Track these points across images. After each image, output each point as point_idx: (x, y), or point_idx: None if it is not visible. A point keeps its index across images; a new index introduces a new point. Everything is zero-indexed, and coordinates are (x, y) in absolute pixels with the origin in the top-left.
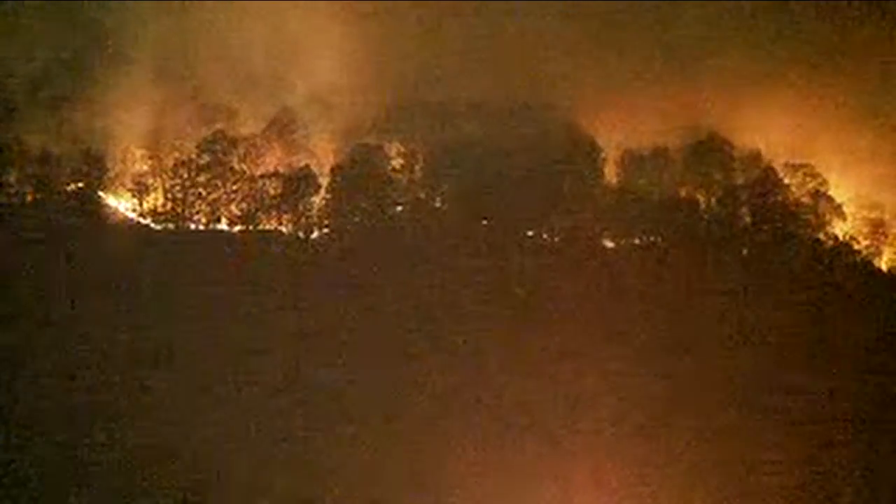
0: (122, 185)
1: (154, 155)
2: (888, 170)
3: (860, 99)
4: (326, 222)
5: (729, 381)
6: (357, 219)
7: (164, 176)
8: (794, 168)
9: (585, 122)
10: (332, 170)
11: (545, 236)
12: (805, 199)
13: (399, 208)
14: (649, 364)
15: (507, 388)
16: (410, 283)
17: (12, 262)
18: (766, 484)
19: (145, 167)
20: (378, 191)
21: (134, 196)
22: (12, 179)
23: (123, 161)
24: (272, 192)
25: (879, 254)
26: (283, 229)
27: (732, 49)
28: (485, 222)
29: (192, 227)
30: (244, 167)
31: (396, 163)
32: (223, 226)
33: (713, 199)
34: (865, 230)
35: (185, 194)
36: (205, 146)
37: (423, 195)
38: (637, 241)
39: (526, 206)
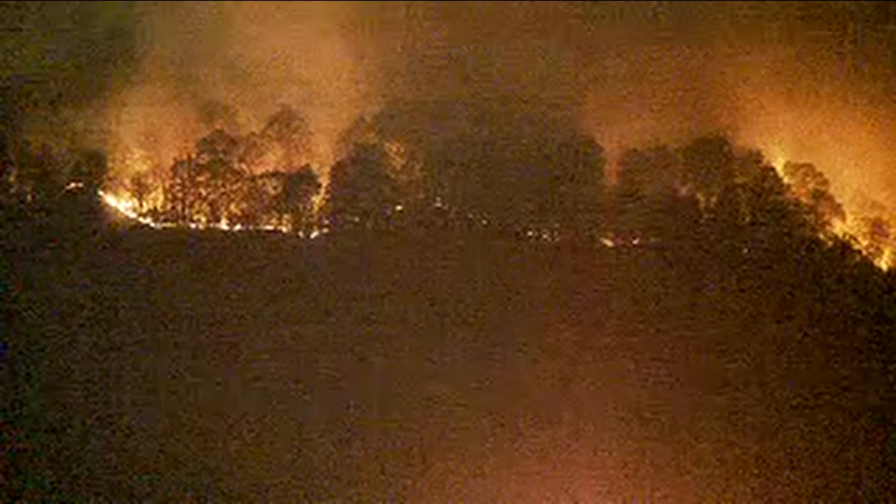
0: (122, 185)
1: (154, 155)
2: (888, 170)
3: (860, 99)
4: (326, 222)
5: (728, 379)
6: (357, 219)
7: (164, 176)
8: (794, 168)
9: (585, 122)
10: (332, 170)
11: (545, 236)
12: (805, 199)
13: (399, 208)
14: (649, 363)
15: (506, 387)
16: (410, 283)
17: (12, 261)
18: (768, 481)
19: (145, 167)
20: (378, 191)
21: (134, 196)
22: (12, 179)
23: (123, 161)
24: (272, 192)
25: (879, 254)
26: (283, 229)
27: (733, 49)
28: (485, 222)
29: (192, 226)
30: (244, 167)
31: (396, 163)
32: (223, 225)
33: (713, 199)
34: (865, 230)
35: (185, 194)
36: (205, 146)
37: (423, 195)
38: (637, 241)
39: (526, 206)
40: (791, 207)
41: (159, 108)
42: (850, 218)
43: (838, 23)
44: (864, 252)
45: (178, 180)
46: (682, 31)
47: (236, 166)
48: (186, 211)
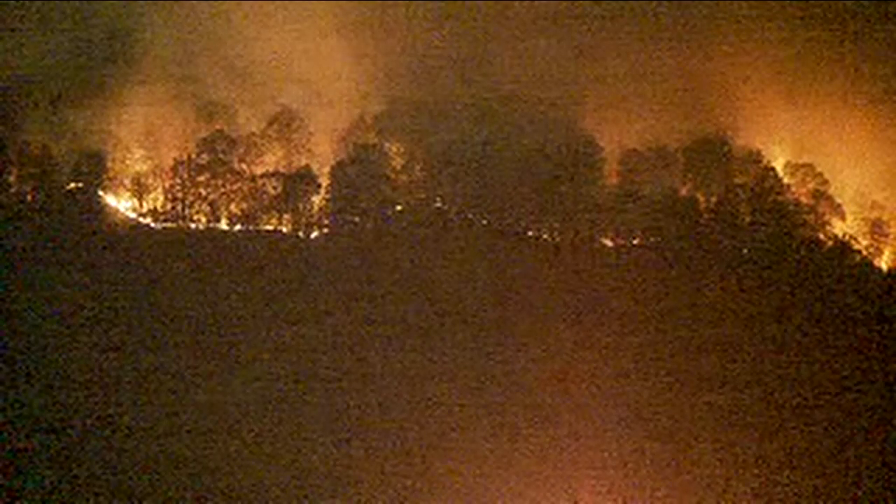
0: (122, 185)
1: (154, 155)
2: (888, 170)
3: (860, 99)
4: (326, 222)
5: (728, 379)
6: (357, 219)
7: (164, 176)
8: (794, 168)
9: (585, 122)
10: (332, 170)
11: (545, 236)
12: (805, 199)
13: (399, 208)
14: (649, 363)
15: (506, 387)
16: (410, 283)
17: (12, 261)
18: (768, 481)
19: (145, 167)
20: (378, 191)
21: (134, 196)
22: (12, 179)
23: (123, 161)
24: (272, 192)
25: (879, 254)
26: (283, 229)
27: (733, 49)
28: (485, 222)
29: (192, 227)
30: (244, 167)
31: (396, 163)
32: (223, 226)
33: (713, 199)
34: (865, 230)
35: (185, 194)
36: (205, 146)
37: (423, 195)
38: (637, 241)
39: (526, 206)
40: (791, 207)
41: (159, 108)
42: (850, 218)
43: (838, 23)
44: (864, 252)
45: (178, 180)
46: (682, 31)
47: (236, 166)
48: (186, 211)
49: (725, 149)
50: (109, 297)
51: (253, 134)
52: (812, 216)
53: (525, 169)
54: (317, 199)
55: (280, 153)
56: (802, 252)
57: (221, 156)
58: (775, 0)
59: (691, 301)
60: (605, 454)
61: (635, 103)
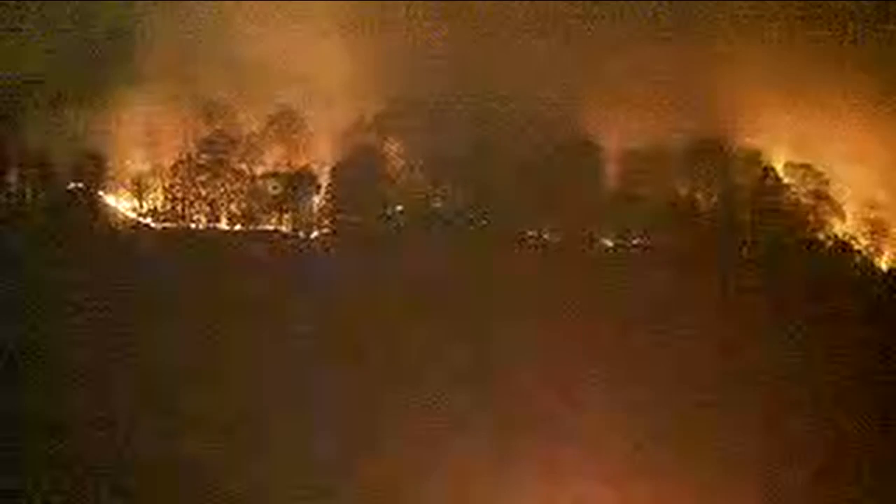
0: (122, 185)
1: (154, 155)
2: (888, 170)
3: (860, 99)
4: (326, 222)
5: (728, 379)
6: (357, 219)
7: (164, 176)
8: (794, 168)
9: (585, 122)
10: (332, 170)
11: (545, 236)
12: (805, 199)
13: (399, 208)
14: (649, 363)
15: (506, 387)
16: (410, 283)
17: (12, 262)
18: (768, 482)
19: (145, 167)
20: (378, 191)
21: (134, 196)
22: (12, 179)
23: (123, 161)
24: (272, 192)
25: (879, 254)
26: (283, 229)
27: (733, 49)
28: (484, 222)
29: (192, 227)
30: (244, 167)
31: (396, 163)
32: (223, 226)
33: (713, 199)
34: (865, 230)
35: (185, 194)
36: (205, 146)
37: (423, 195)
38: (636, 242)
39: (526, 206)
40: (791, 207)
41: (159, 108)
42: (850, 218)
43: (838, 23)
44: (864, 252)
45: (178, 180)
46: (682, 31)
47: (236, 166)
48: (186, 211)
49: (725, 149)
50: (109, 297)
51: (253, 134)
52: (812, 216)
53: (525, 169)
54: (317, 199)
55: (280, 153)
56: (802, 252)
57: (221, 156)
58: (775, 0)
59: (691, 301)
60: (606, 454)
61: (635, 103)
